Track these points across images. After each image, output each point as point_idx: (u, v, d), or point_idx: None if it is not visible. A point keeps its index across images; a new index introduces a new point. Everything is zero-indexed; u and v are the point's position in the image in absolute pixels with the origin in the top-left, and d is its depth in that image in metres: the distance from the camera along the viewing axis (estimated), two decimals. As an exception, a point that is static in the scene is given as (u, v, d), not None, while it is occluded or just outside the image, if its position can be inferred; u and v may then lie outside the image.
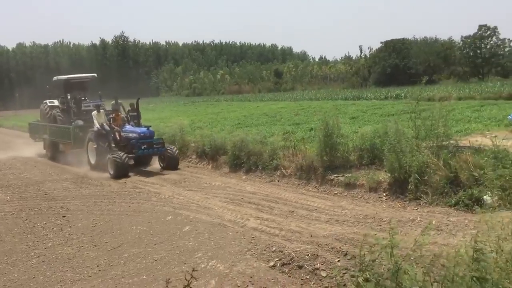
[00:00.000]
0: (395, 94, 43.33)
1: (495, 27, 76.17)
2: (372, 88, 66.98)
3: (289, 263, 6.65)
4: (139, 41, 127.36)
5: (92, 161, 16.72)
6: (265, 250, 7.35)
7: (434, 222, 7.42)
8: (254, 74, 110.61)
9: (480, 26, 76.93)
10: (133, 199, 12.09)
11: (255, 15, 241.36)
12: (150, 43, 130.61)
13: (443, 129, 10.13)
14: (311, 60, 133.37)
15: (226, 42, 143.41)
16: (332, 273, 5.97)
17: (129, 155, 15.52)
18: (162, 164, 16.11)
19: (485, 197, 8.10)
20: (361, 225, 8.06)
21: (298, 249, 7.02)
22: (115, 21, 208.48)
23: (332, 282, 5.64)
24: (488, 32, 76.41)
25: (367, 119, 21.50)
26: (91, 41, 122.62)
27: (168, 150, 15.85)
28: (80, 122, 18.83)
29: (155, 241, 8.54)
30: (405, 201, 9.54)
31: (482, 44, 76.45)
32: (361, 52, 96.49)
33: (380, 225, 7.91)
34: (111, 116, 17.19)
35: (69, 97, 20.74)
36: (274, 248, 7.31)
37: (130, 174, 15.33)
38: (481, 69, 76.67)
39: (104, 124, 16.69)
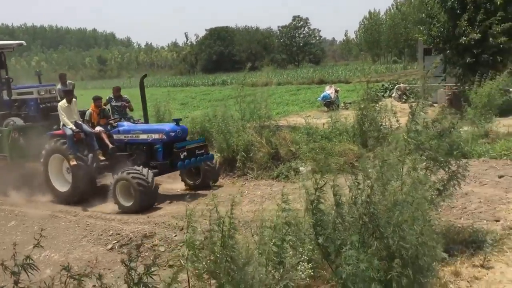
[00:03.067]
0: (221, 80, 45.46)
1: (307, 18, 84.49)
2: (200, 75, 68.71)
3: (127, 244, 6.80)
4: None
5: (62, 188, 9.78)
6: (101, 235, 7.36)
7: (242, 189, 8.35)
8: (74, 60, 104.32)
9: (294, 17, 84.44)
10: None
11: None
12: None
13: (264, 111, 11.22)
14: (136, 47, 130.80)
15: (40, 26, 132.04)
16: (169, 247, 6.33)
17: (153, 171, 9.22)
18: (190, 181, 10.25)
19: (300, 168, 9.27)
20: (196, 202, 8.53)
21: (135, 229, 7.19)
22: None
23: (171, 255, 5.98)
24: (301, 23, 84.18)
25: (197, 104, 22.29)
26: None
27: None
28: (19, 121, 11.18)
29: (-25, 240, 7.85)
30: (234, 177, 10.37)
31: (296, 34, 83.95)
32: (187, 39, 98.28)
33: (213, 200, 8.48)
34: (88, 109, 10.58)
35: None
36: (111, 232, 7.35)
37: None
38: (296, 56, 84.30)
39: (82, 123, 9.92)
